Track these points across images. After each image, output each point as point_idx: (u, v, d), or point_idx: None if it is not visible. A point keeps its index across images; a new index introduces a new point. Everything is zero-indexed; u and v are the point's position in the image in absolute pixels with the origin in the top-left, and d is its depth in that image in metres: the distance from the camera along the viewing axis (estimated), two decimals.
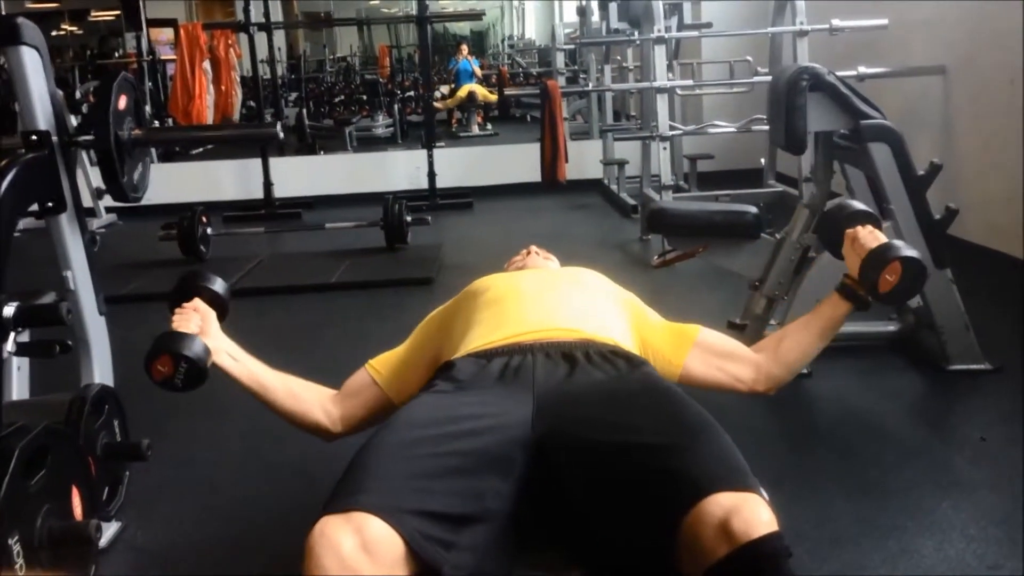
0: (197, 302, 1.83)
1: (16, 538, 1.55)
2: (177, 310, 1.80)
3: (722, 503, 1.15)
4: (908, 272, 1.84)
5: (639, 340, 1.81)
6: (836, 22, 4.83)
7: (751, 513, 1.14)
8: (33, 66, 2.01)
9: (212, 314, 1.83)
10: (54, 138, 2.04)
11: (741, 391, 1.88)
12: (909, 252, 1.86)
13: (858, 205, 2.11)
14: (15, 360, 2.09)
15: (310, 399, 1.84)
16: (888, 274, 1.83)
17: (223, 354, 1.78)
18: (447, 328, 1.85)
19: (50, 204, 2.05)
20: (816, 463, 2.39)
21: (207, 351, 1.71)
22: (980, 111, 4.36)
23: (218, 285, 1.90)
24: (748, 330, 3.21)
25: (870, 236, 1.89)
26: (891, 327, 3.20)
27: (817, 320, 1.90)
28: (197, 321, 1.77)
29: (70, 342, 1.91)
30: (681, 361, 1.83)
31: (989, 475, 2.28)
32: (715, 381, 1.87)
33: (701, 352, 1.85)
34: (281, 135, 2.40)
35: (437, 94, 9.95)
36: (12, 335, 1.82)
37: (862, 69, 4.63)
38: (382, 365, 1.91)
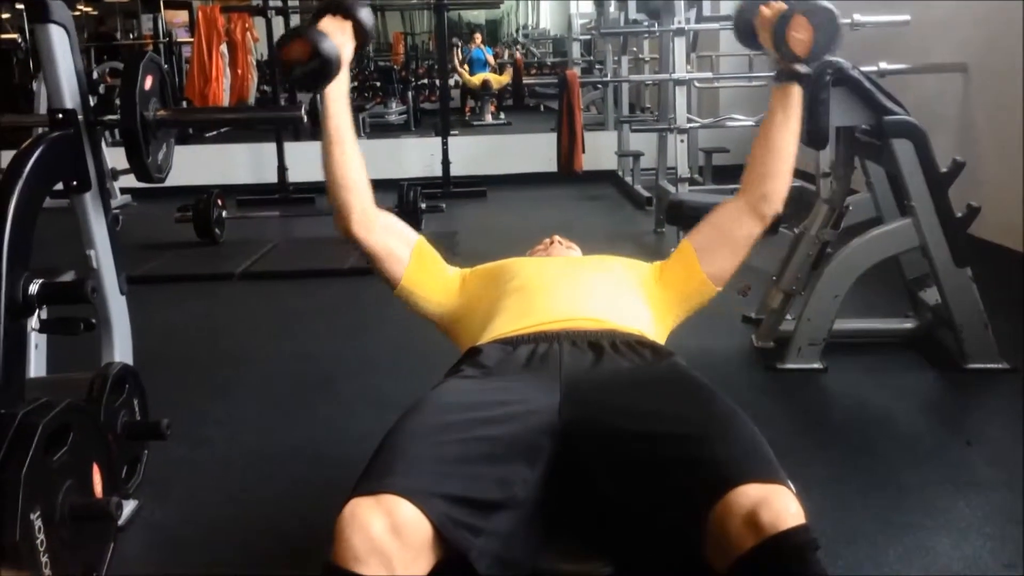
0: (348, 24, 1.76)
1: (38, 513, 1.56)
2: (329, 16, 1.74)
3: (750, 494, 1.15)
4: (814, 20, 1.76)
5: (663, 305, 1.81)
6: (858, 17, 4.79)
7: (780, 505, 1.14)
8: (61, 44, 2.01)
9: (352, 44, 1.77)
10: (80, 117, 2.05)
11: (759, 231, 1.84)
12: (807, 3, 1.78)
13: None
14: (33, 338, 2.10)
15: (361, 189, 1.77)
16: (795, 32, 1.76)
17: (337, 84, 1.74)
18: (473, 300, 1.84)
19: (75, 183, 2.05)
20: (832, 459, 2.39)
21: (338, 67, 1.68)
22: (1000, 109, 4.34)
23: (367, 20, 1.79)
24: (764, 324, 3.21)
25: (772, 10, 1.83)
26: (908, 324, 3.20)
27: (772, 117, 1.86)
28: (340, 39, 1.72)
29: (93, 320, 1.92)
30: (700, 271, 1.82)
31: (1005, 474, 2.27)
32: (738, 252, 1.83)
33: (705, 251, 1.83)
34: (305, 118, 2.40)
35: (452, 82, 9.93)
36: (37, 312, 1.82)
37: (883, 65, 4.60)
38: (425, 255, 1.86)
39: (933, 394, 2.89)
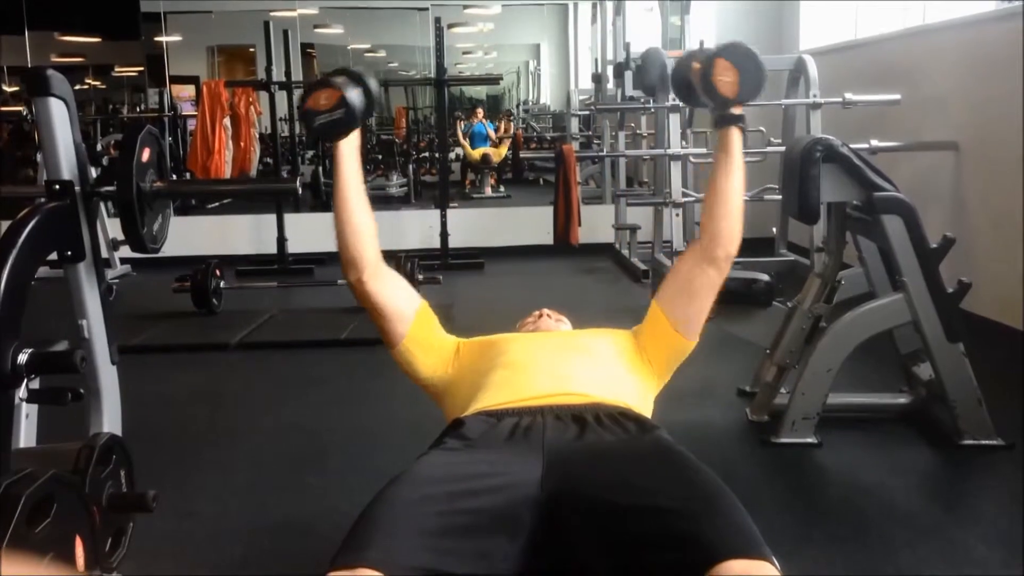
0: (361, 90, 1.82)
1: None
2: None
3: (735, 570, 1.14)
4: (736, 60, 1.81)
5: (646, 369, 1.85)
6: (849, 96, 4.89)
7: None
8: (60, 117, 2.05)
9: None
10: (76, 188, 2.07)
11: (716, 275, 1.87)
12: (724, 44, 1.84)
13: (697, 51, 2.07)
14: (24, 407, 2.09)
15: (371, 238, 1.84)
16: (721, 76, 1.81)
17: (350, 142, 1.80)
18: (463, 371, 1.85)
19: (69, 253, 2.07)
20: (826, 536, 2.36)
21: (361, 119, 1.75)
22: (991, 186, 4.39)
23: (376, 91, 1.87)
24: (759, 398, 3.20)
25: (700, 61, 1.89)
26: (902, 399, 3.18)
27: (717, 164, 1.90)
28: None
29: (82, 390, 1.91)
30: (670, 327, 1.87)
31: (1002, 552, 2.24)
32: (699, 300, 1.87)
33: (670, 304, 1.89)
34: (300, 190, 2.43)
35: (452, 155, 10.05)
36: (25, 382, 1.82)
37: (874, 142, 4.67)
38: (428, 318, 1.92)
39: (928, 470, 2.86)
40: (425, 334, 1.88)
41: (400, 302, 1.86)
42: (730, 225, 1.86)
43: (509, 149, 10.94)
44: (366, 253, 1.81)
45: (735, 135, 1.88)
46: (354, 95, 1.74)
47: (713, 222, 1.87)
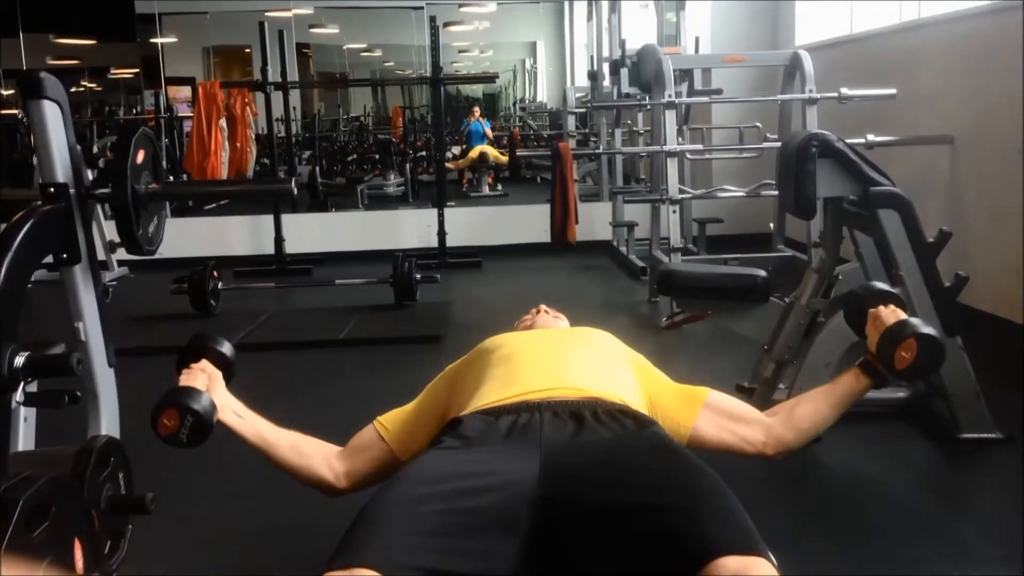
0: (205, 363, 1.87)
1: None
2: (184, 370, 1.84)
3: (730, 566, 1.14)
4: (923, 349, 1.86)
5: (647, 400, 1.82)
6: (845, 91, 4.88)
7: None
8: (54, 119, 2.05)
9: (219, 375, 1.87)
10: (71, 190, 2.07)
11: (748, 453, 1.89)
12: (925, 330, 1.89)
13: (881, 286, 2.16)
14: (22, 411, 2.09)
15: (315, 454, 1.85)
16: (903, 351, 1.86)
17: (228, 411, 1.81)
18: (457, 385, 1.86)
19: (65, 256, 2.07)
20: (824, 532, 2.36)
21: (213, 406, 1.74)
22: (987, 180, 4.38)
23: (226, 348, 1.94)
24: (757, 394, 3.20)
25: (890, 314, 1.93)
26: (901, 394, 3.18)
27: (834, 391, 1.92)
28: (204, 380, 1.80)
29: (79, 393, 1.91)
30: (691, 423, 1.84)
31: (1001, 547, 2.24)
32: (724, 443, 1.87)
33: (711, 414, 1.86)
34: (295, 191, 2.43)
35: (449, 154, 10.05)
36: (21, 385, 1.82)
37: (871, 137, 4.67)
38: (390, 422, 1.92)
39: (927, 464, 2.86)
40: (402, 432, 1.91)
41: (372, 457, 1.90)
42: (799, 443, 1.92)
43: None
44: (322, 474, 1.86)
45: (866, 387, 1.93)
46: (192, 398, 1.73)
47: (792, 431, 1.90)
